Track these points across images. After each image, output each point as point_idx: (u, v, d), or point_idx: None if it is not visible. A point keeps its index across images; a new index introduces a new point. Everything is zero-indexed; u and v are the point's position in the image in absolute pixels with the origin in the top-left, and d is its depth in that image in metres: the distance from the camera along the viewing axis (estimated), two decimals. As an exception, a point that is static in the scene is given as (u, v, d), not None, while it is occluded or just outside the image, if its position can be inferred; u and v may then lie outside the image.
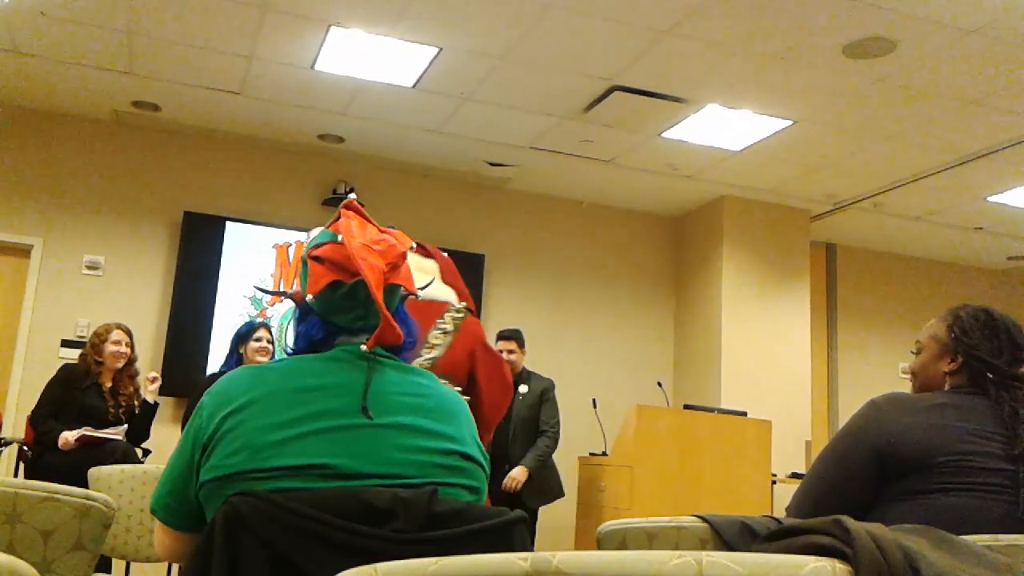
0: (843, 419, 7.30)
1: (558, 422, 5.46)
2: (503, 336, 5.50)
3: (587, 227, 7.77)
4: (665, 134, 6.15)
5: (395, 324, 1.39)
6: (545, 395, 5.45)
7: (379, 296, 1.38)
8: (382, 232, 1.49)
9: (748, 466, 5.56)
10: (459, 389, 2.78)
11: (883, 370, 8.07)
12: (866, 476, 1.98)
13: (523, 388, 5.37)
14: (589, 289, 7.65)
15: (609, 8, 4.63)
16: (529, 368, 5.63)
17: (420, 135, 6.50)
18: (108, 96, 6.15)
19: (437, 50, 5.20)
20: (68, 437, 4.54)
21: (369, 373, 1.37)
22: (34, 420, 4.77)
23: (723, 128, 5.99)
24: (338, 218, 1.49)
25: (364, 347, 1.38)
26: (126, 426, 4.72)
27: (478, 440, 1.46)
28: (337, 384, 1.36)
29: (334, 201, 6.76)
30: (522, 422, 5.33)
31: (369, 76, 5.58)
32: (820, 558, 0.88)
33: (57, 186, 6.43)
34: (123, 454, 4.55)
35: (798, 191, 7.17)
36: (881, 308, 8.40)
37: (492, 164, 7.03)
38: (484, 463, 1.44)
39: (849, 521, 0.99)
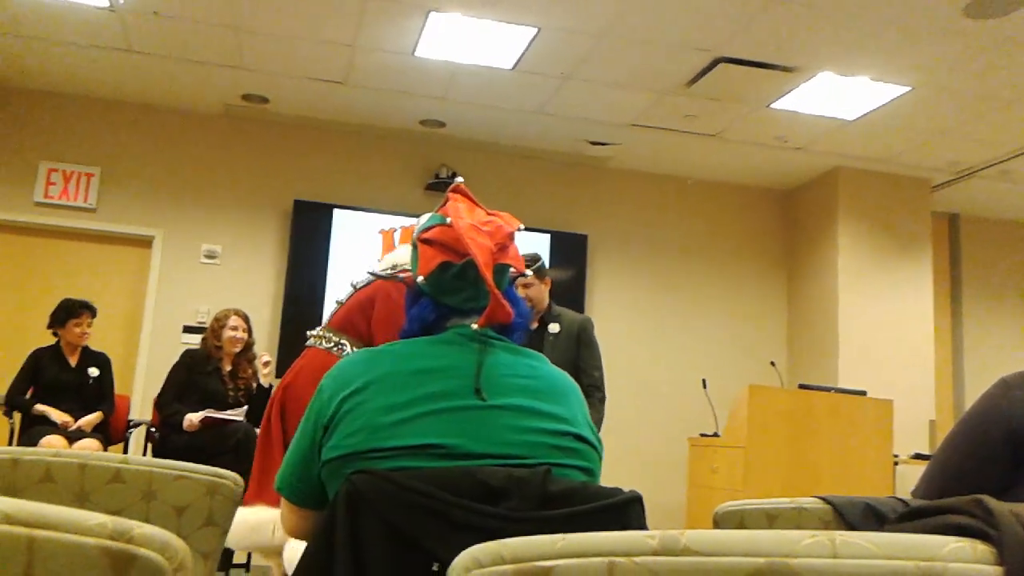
0: (970, 398, 6.99)
1: (601, 371, 4.27)
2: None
3: (693, 204, 7.61)
4: (774, 105, 5.94)
5: (505, 303, 1.40)
6: (584, 335, 4.26)
7: (488, 275, 1.39)
8: (489, 214, 1.50)
9: (868, 447, 5.36)
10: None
11: (1012, 346, 7.65)
12: (998, 459, 1.85)
13: (553, 327, 4.24)
14: (696, 267, 7.50)
15: (713, -24, 4.50)
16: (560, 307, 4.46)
17: (520, 117, 6.48)
18: (219, 90, 6.35)
19: (536, 30, 5.16)
20: (192, 419, 4.75)
21: (481, 355, 1.39)
22: (160, 403, 5.00)
23: (836, 96, 5.75)
24: (446, 202, 1.51)
25: (475, 326, 1.40)
26: (246, 407, 4.90)
27: (590, 421, 1.47)
28: (450, 366, 1.38)
29: (437, 186, 6.82)
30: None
31: (468, 60, 5.59)
32: (960, 539, 0.84)
33: (174, 179, 6.70)
34: (244, 434, 4.74)
35: (918, 160, 6.84)
36: (1009, 281, 7.95)
37: (593, 143, 6.96)
38: (597, 444, 1.45)
39: (991, 501, 0.92)
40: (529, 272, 4.07)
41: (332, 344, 3.11)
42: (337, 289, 6.58)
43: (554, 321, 4.24)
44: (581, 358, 4.18)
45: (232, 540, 2.82)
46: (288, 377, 3.15)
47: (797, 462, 5.19)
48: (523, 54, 5.45)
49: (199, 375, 5.00)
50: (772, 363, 6.35)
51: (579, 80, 5.80)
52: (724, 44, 5.18)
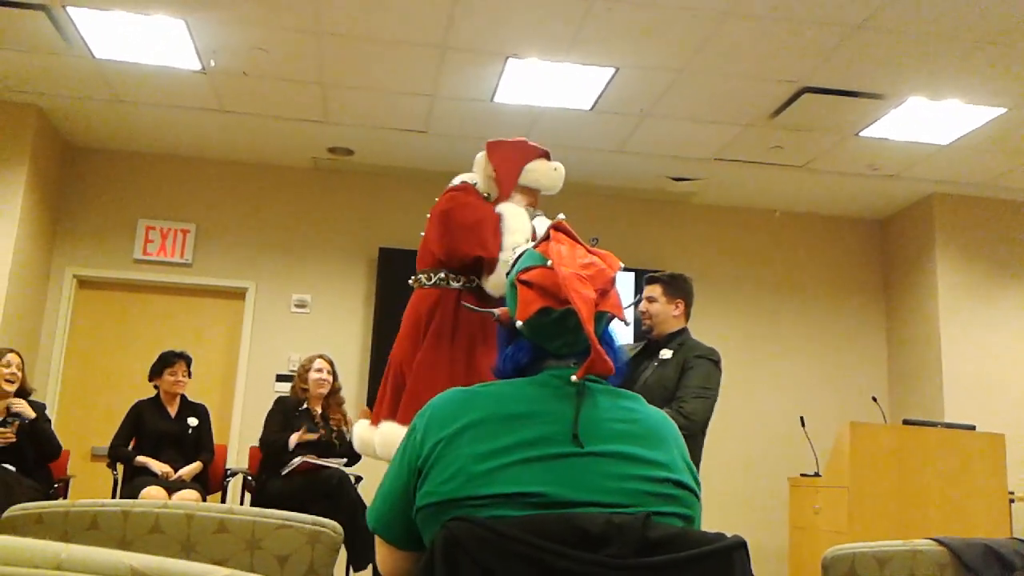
0: (1090, 431, 6.57)
1: (700, 400, 3.57)
2: (645, 280, 3.93)
3: (782, 237, 7.44)
4: (863, 133, 5.79)
5: (605, 356, 1.37)
6: (689, 363, 3.63)
7: (590, 328, 1.36)
8: (590, 253, 1.47)
9: (980, 484, 5.08)
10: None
11: None
12: None
13: (665, 353, 3.67)
14: (789, 302, 7.31)
15: (791, 9, 4.43)
16: (696, 338, 3.86)
17: (601, 156, 6.47)
18: (306, 144, 6.53)
19: (613, 70, 5.16)
20: (294, 438, 4.98)
21: (579, 400, 1.36)
22: (262, 442, 5.19)
23: (928, 121, 5.57)
24: (547, 238, 1.48)
25: (574, 378, 1.37)
26: (345, 460, 4.99)
27: (690, 463, 1.43)
28: (547, 411, 1.36)
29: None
30: (647, 396, 3.13)
31: (547, 103, 5.62)
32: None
33: (265, 232, 6.89)
34: (339, 481, 4.79)
35: (1017, 183, 6.56)
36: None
37: (676, 179, 6.89)
38: (697, 489, 1.41)
39: None
40: (656, 287, 3.81)
41: (431, 282, 3.20)
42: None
43: (666, 347, 3.69)
44: (681, 383, 3.59)
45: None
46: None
47: (904, 502, 4.95)
48: (601, 94, 5.46)
49: (292, 419, 5.16)
50: (874, 398, 6.10)
51: (659, 116, 5.77)
52: (808, 74, 5.09)
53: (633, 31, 4.72)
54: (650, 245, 7.20)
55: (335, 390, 5.33)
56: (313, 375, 5.25)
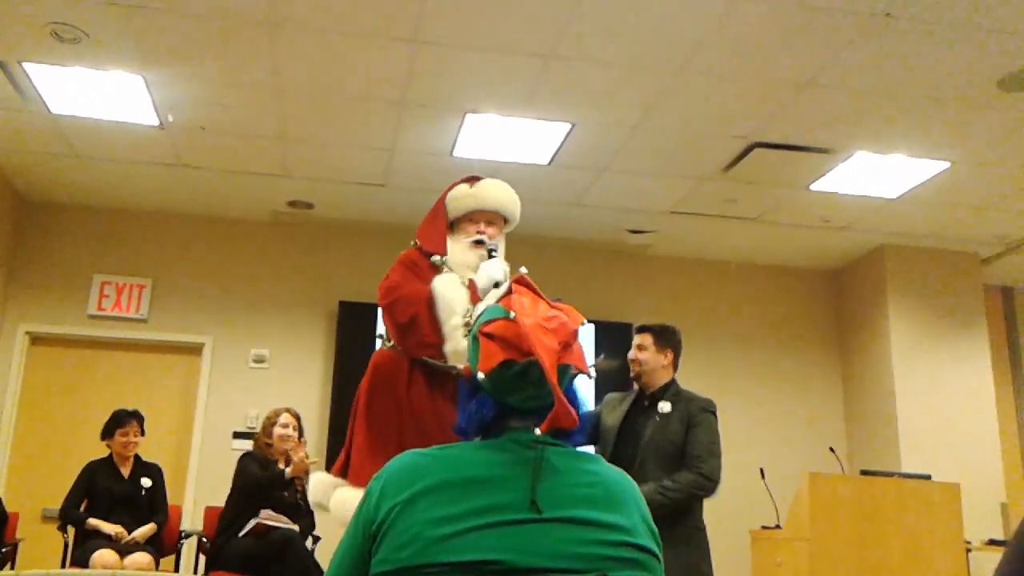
0: (1042, 477, 6.68)
1: (715, 458, 3.60)
2: (636, 330, 3.94)
3: (737, 288, 7.55)
4: (813, 186, 5.93)
5: (570, 408, 1.35)
6: (695, 418, 3.65)
7: (554, 378, 1.34)
8: (552, 306, 1.46)
9: (938, 534, 5.12)
10: None
11: (1082, 421, 7.35)
12: None
13: (664, 406, 3.66)
14: (745, 352, 7.39)
15: (741, 68, 4.56)
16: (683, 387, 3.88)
17: (559, 209, 6.54)
18: (265, 198, 6.52)
19: (570, 126, 5.25)
20: (292, 469, 4.83)
21: (537, 464, 1.35)
22: (249, 482, 4.91)
23: (876, 175, 5.73)
24: (509, 292, 1.47)
25: (538, 431, 1.35)
26: (296, 528, 4.82)
27: (651, 526, 1.41)
28: (506, 477, 1.34)
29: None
30: (657, 449, 3.59)
31: (506, 157, 5.69)
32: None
33: (223, 287, 6.83)
34: (288, 540, 4.68)
35: (965, 234, 6.74)
36: (1072, 353, 7.70)
37: (633, 232, 6.98)
38: (658, 552, 1.39)
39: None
40: (647, 336, 3.78)
41: (391, 344, 3.04)
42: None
43: (663, 399, 3.68)
44: (688, 440, 3.57)
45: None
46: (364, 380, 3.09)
47: (865, 552, 4.97)
48: (559, 149, 5.54)
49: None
50: (831, 449, 6.15)
51: (615, 171, 5.86)
52: (758, 130, 5.22)
53: (589, 88, 4.82)
54: (608, 296, 7.25)
55: (297, 447, 5.07)
56: (278, 430, 5.05)
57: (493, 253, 2.93)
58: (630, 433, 3.66)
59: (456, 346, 2.81)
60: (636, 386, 3.84)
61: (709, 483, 3.54)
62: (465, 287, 2.88)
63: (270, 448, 5.07)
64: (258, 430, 6.34)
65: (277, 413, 5.16)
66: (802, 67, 4.53)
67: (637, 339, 3.85)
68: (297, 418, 5.17)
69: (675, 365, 3.85)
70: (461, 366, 1.51)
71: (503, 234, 3.13)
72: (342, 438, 6.72)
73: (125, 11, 4.19)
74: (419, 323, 2.91)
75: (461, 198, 3.10)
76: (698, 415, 3.65)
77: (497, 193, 3.12)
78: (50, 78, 4.85)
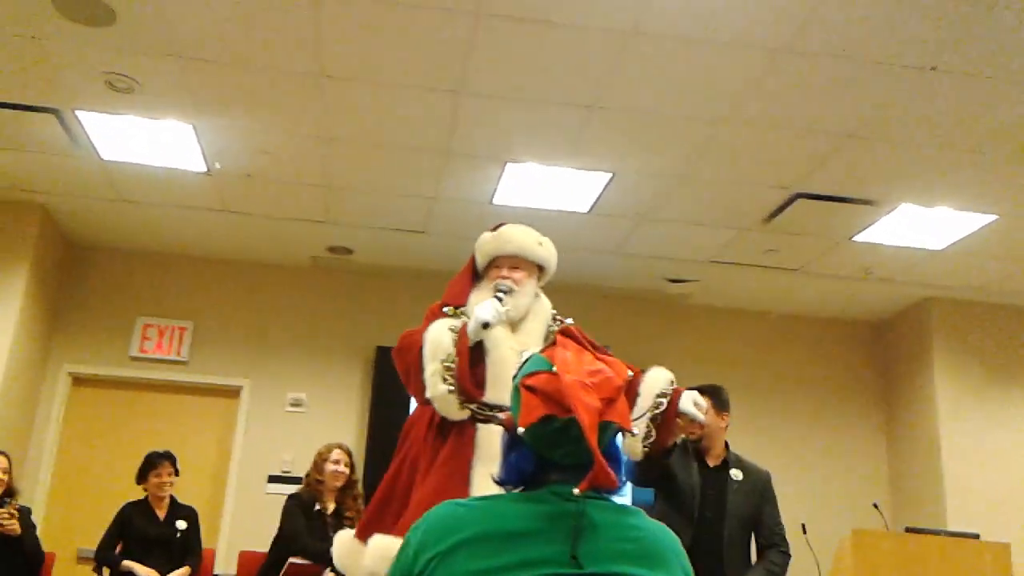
0: (1097, 540, 6.44)
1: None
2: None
3: (777, 339, 7.46)
4: (856, 238, 5.87)
5: (608, 469, 1.33)
6: (767, 492, 3.99)
7: (593, 440, 1.32)
8: (598, 358, 1.45)
9: (987, 596, 4.95)
10: None
11: None
12: None
13: (736, 473, 3.88)
14: (786, 405, 7.27)
15: (784, 118, 4.55)
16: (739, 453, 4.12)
17: (598, 257, 6.54)
18: (306, 243, 6.60)
19: (610, 175, 5.26)
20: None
21: (578, 518, 1.33)
22: (295, 546, 4.81)
23: (920, 227, 5.66)
24: (554, 343, 1.46)
25: (576, 491, 1.33)
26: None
27: None
28: (546, 530, 1.32)
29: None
30: (740, 519, 3.83)
31: (545, 205, 5.71)
32: None
33: (262, 330, 6.89)
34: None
35: (1012, 288, 6.63)
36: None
37: (672, 281, 6.94)
38: None
39: None
40: (704, 399, 3.82)
41: None
42: (420, 435, 6.58)
43: (736, 467, 3.89)
44: (766, 514, 3.89)
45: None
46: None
47: (911, 614, 4.81)
48: (599, 198, 5.55)
49: (310, 519, 4.87)
50: (875, 505, 5.99)
51: (655, 220, 5.85)
52: (801, 181, 5.19)
53: (629, 138, 4.83)
54: (648, 346, 7.19)
55: (352, 482, 5.03)
56: (330, 467, 4.96)
57: (499, 295, 2.84)
58: (708, 497, 3.73)
59: (433, 392, 2.70)
60: (691, 447, 3.85)
61: (787, 545, 3.92)
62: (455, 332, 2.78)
63: (321, 485, 4.96)
64: (293, 472, 6.39)
65: (329, 449, 5.07)
66: (846, 118, 4.51)
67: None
68: (349, 454, 5.10)
69: (726, 428, 3.96)
70: (502, 416, 1.50)
71: (536, 280, 3.07)
72: (377, 483, 6.71)
73: (178, 62, 4.29)
74: (409, 377, 2.86)
75: (484, 245, 3.08)
76: (769, 487, 3.94)
77: (516, 235, 3.06)
78: (102, 126, 4.97)
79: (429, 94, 4.49)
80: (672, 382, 2.94)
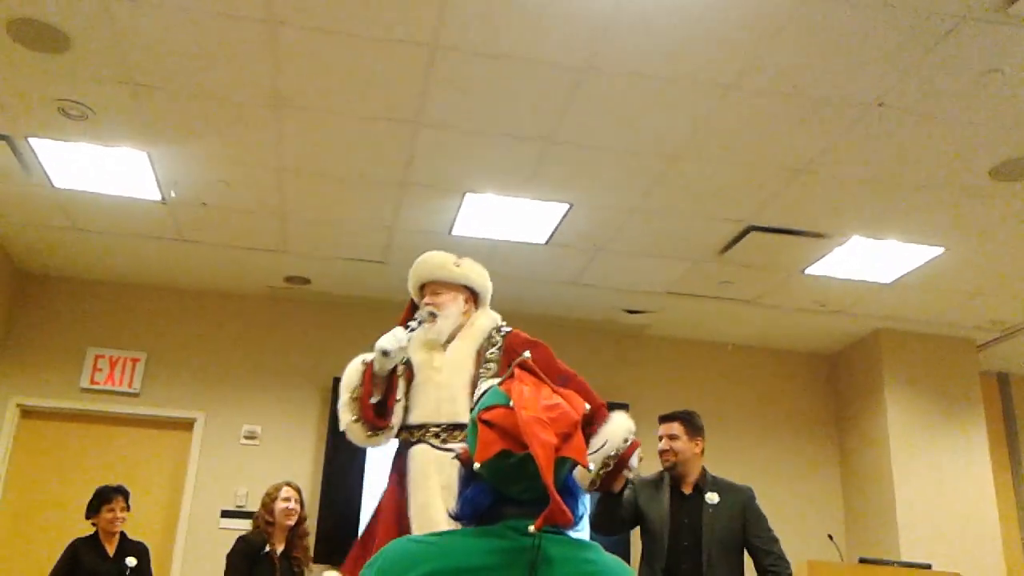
0: (1044, 568, 6.56)
1: (780, 544, 3.85)
2: (662, 419, 4.03)
3: (734, 370, 7.53)
4: (808, 270, 5.98)
5: (564, 507, 1.32)
6: (751, 506, 3.85)
7: (549, 478, 1.32)
8: (556, 391, 1.45)
9: (940, 626, 5.01)
10: None
11: (1083, 509, 7.26)
12: None
13: (711, 496, 3.78)
14: (742, 435, 7.32)
15: (737, 154, 4.64)
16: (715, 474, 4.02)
17: (555, 288, 6.57)
18: (262, 273, 6.54)
19: (568, 206, 5.31)
20: None
21: (534, 553, 1.33)
22: None
23: (870, 260, 5.77)
24: (511, 376, 1.46)
25: (532, 528, 1.33)
26: None
27: None
28: (501, 565, 1.32)
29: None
30: (720, 543, 3.69)
31: (504, 236, 5.73)
32: None
33: (217, 361, 6.80)
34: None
35: (960, 320, 6.77)
36: (1070, 439, 7.65)
37: (629, 311, 6.99)
38: None
39: None
40: (677, 424, 3.84)
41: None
42: (376, 466, 6.50)
43: (712, 490, 3.80)
44: (751, 533, 3.76)
45: None
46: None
47: (865, 644, 4.85)
48: (556, 229, 5.59)
49: (256, 565, 4.77)
50: (830, 536, 6.05)
51: (612, 251, 5.90)
52: (754, 214, 5.28)
53: (586, 170, 4.89)
54: (606, 376, 7.21)
55: (301, 520, 4.96)
56: (280, 504, 4.88)
57: (410, 324, 2.99)
58: (684, 525, 3.68)
59: (343, 423, 2.90)
60: (667, 475, 3.83)
61: (787, 562, 3.77)
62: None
63: (271, 527, 4.88)
64: (247, 507, 6.27)
65: (277, 488, 4.99)
66: (797, 154, 4.61)
67: (664, 429, 3.90)
68: (298, 491, 5.03)
69: (702, 452, 3.92)
70: (459, 449, 1.50)
71: (463, 300, 3.14)
72: (333, 518, 6.67)
73: (132, 89, 4.27)
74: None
75: (410, 274, 3.24)
76: (751, 505, 3.83)
77: (430, 260, 3.21)
78: (55, 153, 4.91)
79: (386, 124, 4.51)
80: (632, 431, 3.00)
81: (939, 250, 5.61)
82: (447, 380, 2.89)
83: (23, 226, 5.92)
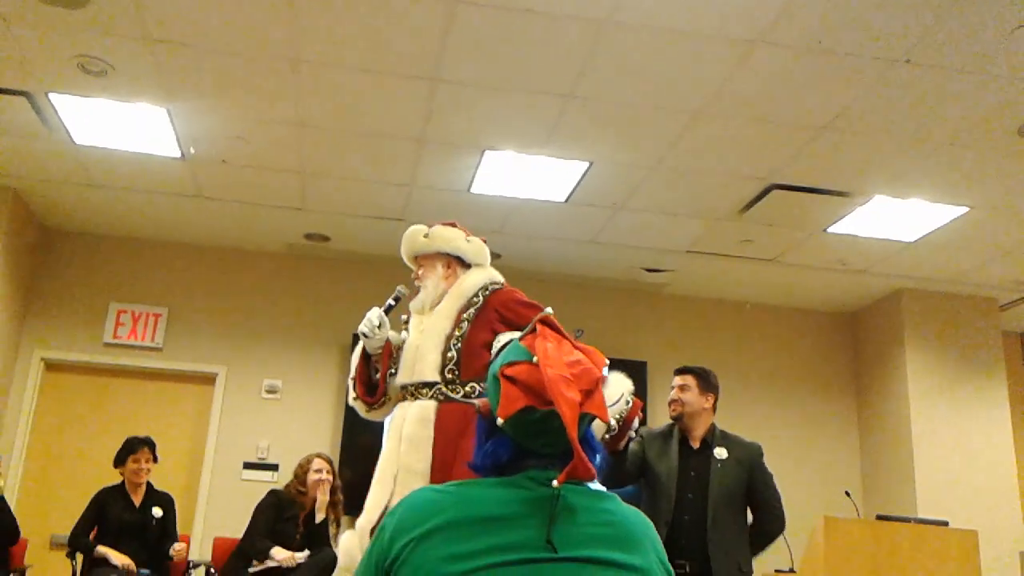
0: (1062, 527, 6.57)
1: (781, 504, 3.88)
2: (677, 371, 4.01)
3: (753, 329, 7.51)
4: (831, 229, 5.92)
5: (588, 462, 1.35)
6: (758, 464, 3.83)
7: (574, 434, 1.33)
8: (576, 347, 1.46)
9: (955, 583, 5.03)
10: None
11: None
12: None
13: (720, 452, 3.76)
14: (760, 394, 7.33)
15: (760, 111, 4.58)
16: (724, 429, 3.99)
17: (575, 247, 6.55)
18: (282, 230, 6.56)
19: (588, 164, 5.27)
20: (279, 557, 4.77)
21: (554, 504, 1.34)
22: (245, 543, 4.95)
23: (894, 219, 5.71)
24: (533, 330, 1.46)
25: (555, 483, 1.34)
26: (307, 552, 4.84)
27: (667, 565, 1.42)
28: (522, 515, 1.33)
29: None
30: (726, 497, 3.69)
31: (522, 194, 5.71)
32: None
33: (238, 317, 6.86)
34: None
35: (983, 279, 6.71)
36: (1091, 400, 7.61)
37: (649, 270, 6.97)
38: None
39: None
40: (690, 377, 3.87)
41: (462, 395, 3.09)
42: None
43: (720, 445, 3.78)
44: (758, 491, 3.76)
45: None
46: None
47: (880, 600, 4.88)
48: (576, 187, 5.56)
49: (281, 522, 4.96)
50: (847, 492, 6.07)
51: (632, 209, 5.87)
52: (776, 172, 5.22)
53: (607, 127, 4.84)
54: (624, 335, 7.23)
55: (334, 488, 5.12)
56: (312, 476, 5.05)
57: (390, 302, 3.22)
58: (691, 479, 3.70)
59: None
60: (676, 429, 3.85)
61: (783, 530, 3.87)
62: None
63: (303, 496, 5.05)
64: (268, 459, 6.41)
65: (309, 460, 5.14)
66: (822, 111, 4.54)
67: (678, 380, 3.90)
68: (329, 461, 5.18)
69: (714, 409, 3.92)
70: (479, 403, 1.51)
71: (444, 267, 3.21)
72: (352, 473, 6.79)
73: (151, 45, 4.25)
74: None
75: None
76: (758, 461, 3.82)
77: (404, 240, 3.33)
78: (75, 109, 4.92)
79: (404, 81, 4.47)
80: (632, 391, 3.13)
81: (963, 209, 5.54)
82: (421, 341, 3.00)
83: (45, 183, 5.96)
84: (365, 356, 3.14)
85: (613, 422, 3.04)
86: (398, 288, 3.24)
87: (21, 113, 4.98)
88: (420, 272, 3.21)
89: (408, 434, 2.87)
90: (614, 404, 3.02)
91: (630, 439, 3.24)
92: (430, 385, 2.92)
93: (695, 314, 7.46)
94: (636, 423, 3.13)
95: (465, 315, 3.01)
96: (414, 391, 2.96)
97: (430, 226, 3.24)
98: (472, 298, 3.09)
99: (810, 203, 5.56)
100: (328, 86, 4.57)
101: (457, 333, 2.96)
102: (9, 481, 6.10)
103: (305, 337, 6.90)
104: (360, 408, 3.22)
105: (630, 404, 3.08)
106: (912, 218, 5.70)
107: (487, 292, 3.12)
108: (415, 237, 3.26)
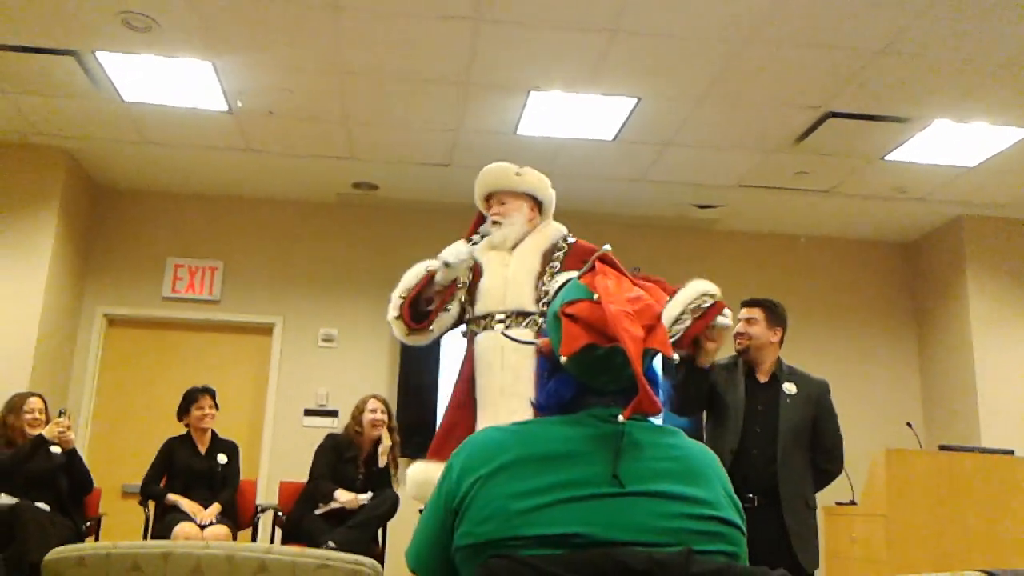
0: None
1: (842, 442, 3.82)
2: (744, 303, 3.92)
3: (808, 262, 7.39)
4: (888, 157, 5.76)
5: (653, 396, 1.34)
6: (824, 402, 3.76)
7: (639, 368, 1.32)
8: (636, 283, 1.44)
9: (1020, 511, 4.97)
10: None
11: None
12: None
13: (789, 387, 3.69)
14: (817, 328, 7.24)
15: (813, 35, 4.43)
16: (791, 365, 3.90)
17: (624, 185, 6.48)
18: (331, 180, 6.59)
19: (636, 100, 5.18)
20: (342, 499, 4.98)
21: (619, 439, 1.34)
22: (310, 486, 5.18)
23: (954, 144, 5.54)
24: (592, 268, 1.45)
25: (621, 418, 1.34)
26: (370, 494, 4.99)
27: (734, 497, 1.41)
28: (586, 451, 1.33)
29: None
30: (794, 432, 3.62)
31: (570, 134, 5.64)
32: None
33: (291, 268, 6.94)
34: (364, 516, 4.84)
35: (1047, 203, 6.49)
36: None
37: (699, 207, 6.87)
38: (742, 524, 1.38)
39: None
40: (758, 310, 3.81)
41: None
42: (451, 359, 6.63)
43: (789, 380, 3.71)
44: (822, 431, 3.69)
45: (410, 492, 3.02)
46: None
47: (944, 530, 4.85)
48: (624, 124, 5.47)
49: (340, 463, 5.16)
50: (909, 424, 6.00)
51: (682, 145, 5.77)
52: (832, 99, 5.08)
53: (655, 61, 4.74)
54: (675, 273, 7.06)
55: (390, 430, 5.28)
56: (368, 416, 5.21)
57: (473, 239, 3.17)
58: (759, 413, 3.65)
59: (388, 318, 3.19)
60: (740, 361, 3.78)
61: (840, 471, 3.84)
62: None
63: (360, 436, 5.21)
64: (328, 406, 6.56)
65: (364, 400, 5.31)
66: (878, 34, 4.39)
67: (745, 312, 3.82)
68: (384, 403, 5.32)
69: (781, 343, 3.83)
70: (540, 342, 1.50)
71: (528, 208, 3.22)
72: (409, 416, 6.92)
73: (194, -3, 4.25)
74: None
75: (475, 187, 3.33)
76: (825, 399, 3.74)
77: (491, 172, 3.28)
78: (122, 66, 4.95)
79: (446, 22, 4.42)
80: (709, 292, 3.22)
81: (1028, 130, 5.35)
82: (513, 273, 3.02)
83: (97, 141, 6.04)
84: (427, 283, 3.11)
85: (676, 356, 3.01)
86: (489, 227, 3.20)
87: (69, 73, 5.03)
88: (501, 209, 3.18)
89: (512, 363, 2.89)
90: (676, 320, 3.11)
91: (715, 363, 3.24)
92: (526, 315, 2.94)
93: (748, 249, 7.35)
94: (724, 319, 3.22)
95: (552, 257, 3.05)
96: (507, 318, 2.97)
97: (520, 167, 3.24)
98: (558, 243, 3.12)
99: (867, 130, 5.41)
100: (369, 32, 4.53)
101: (547, 274, 2.99)
102: (78, 436, 6.31)
103: (358, 285, 6.96)
104: (399, 329, 3.19)
105: (707, 303, 3.22)
106: (973, 142, 5.51)
107: (568, 242, 3.16)
108: (506, 173, 3.23)
